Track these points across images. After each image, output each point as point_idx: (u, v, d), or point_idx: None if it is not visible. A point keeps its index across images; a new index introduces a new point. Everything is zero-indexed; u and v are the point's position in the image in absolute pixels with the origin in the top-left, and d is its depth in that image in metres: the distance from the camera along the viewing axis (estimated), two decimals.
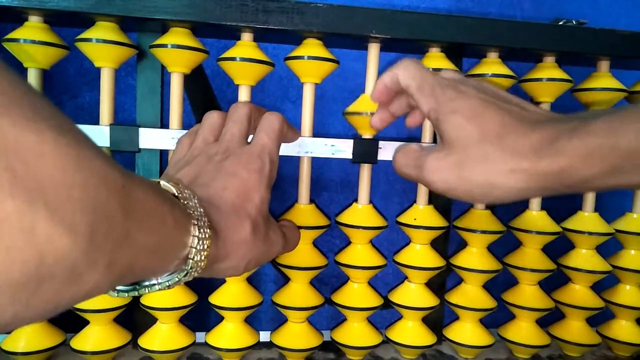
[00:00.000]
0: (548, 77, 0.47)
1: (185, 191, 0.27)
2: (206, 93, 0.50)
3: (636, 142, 0.24)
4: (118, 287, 0.25)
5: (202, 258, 0.26)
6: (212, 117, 0.37)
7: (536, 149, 0.27)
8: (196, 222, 0.25)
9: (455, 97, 0.31)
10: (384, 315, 0.55)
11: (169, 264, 0.24)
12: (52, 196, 0.15)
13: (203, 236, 0.25)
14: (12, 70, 0.17)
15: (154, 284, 0.25)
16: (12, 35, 0.41)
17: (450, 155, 0.30)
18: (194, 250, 0.25)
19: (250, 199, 0.31)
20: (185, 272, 0.25)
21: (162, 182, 0.26)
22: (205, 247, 0.25)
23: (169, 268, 0.25)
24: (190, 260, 0.25)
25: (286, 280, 0.49)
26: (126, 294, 0.25)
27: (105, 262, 0.18)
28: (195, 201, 0.26)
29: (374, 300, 0.49)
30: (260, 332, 0.50)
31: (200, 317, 0.52)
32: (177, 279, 0.25)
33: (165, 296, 0.45)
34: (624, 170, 0.25)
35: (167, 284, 0.25)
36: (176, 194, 0.26)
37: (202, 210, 0.26)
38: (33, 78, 0.42)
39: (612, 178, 0.26)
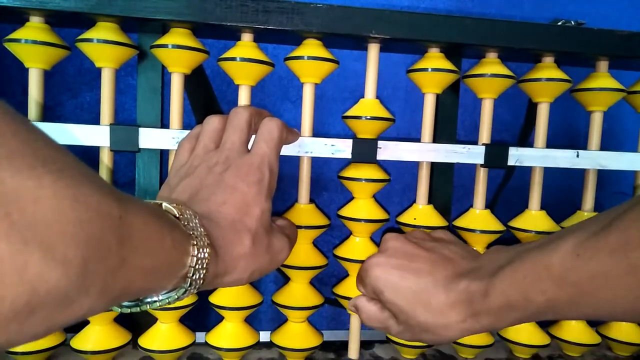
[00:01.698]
0: (547, 77, 0.47)
1: (187, 212, 0.27)
2: (206, 93, 0.50)
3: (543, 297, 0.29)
4: (122, 303, 0.27)
5: (201, 276, 0.26)
6: (212, 123, 0.37)
7: (458, 310, 0.33)
8: (195, 243, 0.26)
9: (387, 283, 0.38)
10: None
11: (167, 283, 0.25)
12: (45, 235, 0.16)
13: (202, 256, 0.26)
14: (17, 114, 0.18)
15: (155, 301, 0.26)
16: (13, 35, 0.41)
17: (400, 325, 0.38)
18: (192, 269, 0.26)
19: (249, 213, 0.31)
20: (184, 290, 0.26)
21: (165, 205, 0.27)
22: (205, 265, 0.26)
23: (167, 287, 0.26)
24: (189, 279, 0.26)
25: (286, 280, 0.49)
26: (129, 310, 0.27)
27: (98, 288, 0.19)
28: (196, 222, 0.27)
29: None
30: (260, 332, 0.50)
31: (200, 317, 0.52)
32: (176, 297, 0.26)
33: None
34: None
35: (167, 301, 0.26)
36: (177, 215, 0.27)
37: (202, 230, 0.27)
38: (34, 78, 0.42)
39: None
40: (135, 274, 0.21)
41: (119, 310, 0.27)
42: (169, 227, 0.24)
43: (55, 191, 0.17)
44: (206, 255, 0.26)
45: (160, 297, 0.26)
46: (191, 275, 0.26)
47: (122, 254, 0.20)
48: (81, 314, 0.19)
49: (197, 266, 0.26)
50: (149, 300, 0.26)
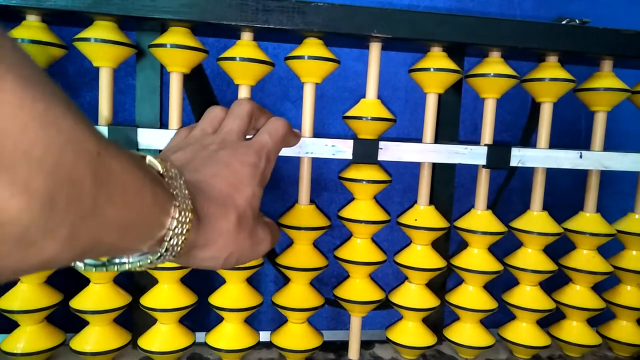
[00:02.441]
0: (551, 77, 0.46)
1: (172, 170, 0.25)
2: (206, 93, 0.50)
3: None
4: (86, 261, 0.24)
5: (179, 242, 0.24)
6: (213, 111, 0.37)
7: None
8: (178, 204, 0.24)
9: None
10: (384, 315, 0.55)
11: (142, 244, 0.23)
12: (6, 151, 0.14)
13: (183, 220, 0.24)
14: None
15: (124, 263, 0.24)
16: (9, 34, 0.40)
17: None
18: (171, 232, 0.23)
19: (240, 191, 0.30)
20: (159, 255, 0.24)
21: (149, 158, 0.25)
22: (184, 231, 0.24)
23: (141, 248, 0.23)
24: (166, 243, 0.24)
25: (286, 280, 0.49)
26: (93, 269, 0.24)
27: (66, 232, 0.17)
28: (181, 182, 0.25)
29: (375, 296, 0.48)
30: (260, 332, 0.49)
31: (200, 317, 0.52)
32: (149, 261, 0.24)
33: (165, 297, 0.45)
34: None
35: (139, 264, 0.24)
36: (161, 172, 0.24)
37: (186, 192, 0.25)
38: None
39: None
40: (109, 226, 0.19)
41: (82, 268, 0.24)
42: (151, 181, 0.22)
43: (20, 100, 0.15)
44: (188, 219, 0.24)
45: (132, 260, 0.24)
46: (169, 239, 0.24)
47: (97, 199, 0.18)
48: (41, 262, 0.17)
49: (176, 230, 0.24)
50: (117, 261, 0.24)
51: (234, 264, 0.30)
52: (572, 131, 0.64)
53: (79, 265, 0.24)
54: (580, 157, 0.48)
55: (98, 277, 0.45)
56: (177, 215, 0.23)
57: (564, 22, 0.48)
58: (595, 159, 0.48)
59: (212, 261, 0.28)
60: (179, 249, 0.24)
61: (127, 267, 0.24)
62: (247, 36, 0.44)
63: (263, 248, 0.32)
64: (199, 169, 0.30)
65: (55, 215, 0.16)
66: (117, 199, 0.19)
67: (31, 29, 0.40)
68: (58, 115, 0.16)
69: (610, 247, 0.52)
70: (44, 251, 0.16)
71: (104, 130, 0.41)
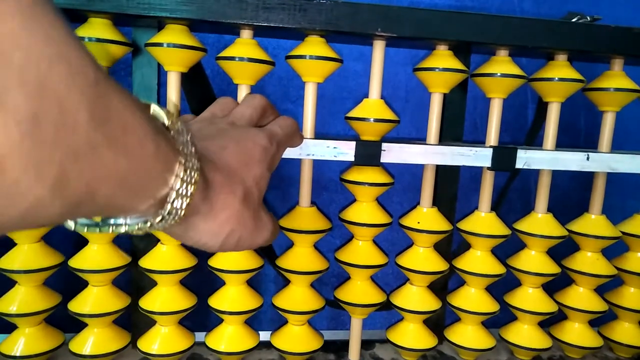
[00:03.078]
0: (559, 77, 0.45)
1: (179, 124, 0.22)
2: (205, 92, 0.48)
3: None
4: (79, 220, 0.22)
5: (183, 206, 0.22)
6: (225, 99, 0.36)
7: None
8: (183, 162, 0.21)
9: None
10: (385, 315, 0.55)
11: (142, 203, 0.20)
12: None
13: (188, 180, 0.22)
14: None
15: (121, 224, 0.22)
16: None
17: None
18: (174, 193, 0.21)
19: (249, 168, 0.28)
20: (161, 217, 0.22)
21: (153, 106, 0.22)
22: (189, 193, 0.22)
23: (140, 208, 0.21)
24: (169, 205, 0.21)
25: (286, 282, 0.49)
26: (85, 228, 0.22)
27: (55, 172, 0.14)
28: (188, 138, 0.22)
29: (376, 298, 0.48)
30: (260, 332, 0.49)
31: (201, 317, 0.52)
32: (149, 224, 0.22)
33: (164, 299, 0.45)
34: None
35: (137, 227, 0.22)
36: (166, 124, 0.22)
37: (193, 150, 0.22)
38: None
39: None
40: (106, 174, 0.17)
41: (72, 227, 0.22)
42: (154, 130, 0.19)
43: None
44: (193, 180, 0.22)
45: (129, 221, 0.22)
46: (171, 200, 0.21)
47: (93, 137, 0.15)
48: (26, 210, 0.14)
49: (180, 191, 0.21)
50: (113, 222, 0.22)
51: (233, 246, 0.27)
52: (571, 130, 0.63)
53: (70, 224, 0.22)
54: (587, 158, 0.47)
55: (97, 279, 0.44)
56: (181, 174, 0.21)
57: (574, 20, 0.46)
58: (603, 161, 0.47)
59: (211, 237, 0.26)
60: (182, 212, 0.22)
61: (123, 229, 0.22)
62: (246, 34, 0.42)
63: (264, 235, 0.30)
64: (207, 139, 0.28)
65: (42, 147, 0.13)
66: (116, 142, 0.17)
67: None
68: (52, 24, 0.13)
69: (615, 248, 0.52)
70: (29, 194, 0.14)
71: None
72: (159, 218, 0.22)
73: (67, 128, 0.14)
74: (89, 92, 0.15)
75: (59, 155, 0.14)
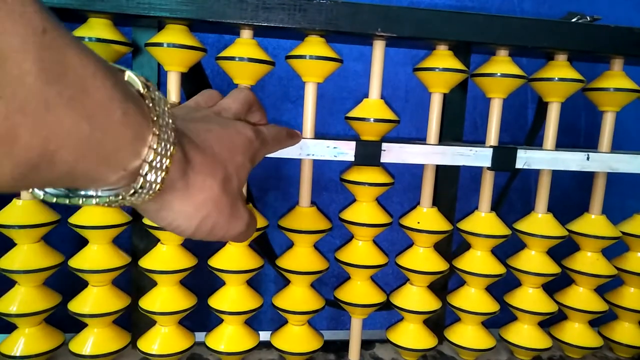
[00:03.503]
0: (559, 77, 0.45)
1: (156, 93, 0.21)
2: None
3: None
4: (47, 190, 0.21)
5: (158, 180, 0.21)
6: (210, 91, 0.35)
7: None
8: (157, 133, 0.20)
9: None
10: (385, 315, 0.55)
11: (112, 173, 0.19)
12: None
13: (163, 152, 0.21)
14: None
15: (91, 195, 0.21)
16: None
17: None
18: (147, 166, 0.20)
19: (232, 155, 0.27)
20: (134, 190, 0.21)
21: (128, 72, 0.21)
22: (164, 166, 0.21)
23: (110, 179, 0.20)
24: (141, 178, 0.20)
25: (286, 282, 0.49)
26: (54, 199, 0.21)
27: (4, 127, 0.14)
28: (165, 109, 0.21)
29: (376, 299, 0.48)
30: (260, 332, 0.49)
31: (201, 317, 0.52)
32: (120, 197, 0.21)
33: (164, 299, 0.45)
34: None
35: (107, 199, 0.21)
36: (142, 91, 0.21)
37: (170, 121, 0.21)
38: None
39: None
40: (64, 137, 0.16)
41: (41, 196, 0.21)
42: (122, 96, 0.19)
43: None
44: (168, 153, 0.21)
45: (100, 193, 0.21)
46: (144, 173, 0.20)
47: (45, 94, 0.15)
48: None
49: (154, 163, 0.20)
50: (83, 193, 0.21)
51: (206, 232, 0.26)
52: (571, 130, 0.62)
53: (37, 192, 0.20)
54: (588, 158, 0.46)
55: (97, 279, 0.44)
56: (155, 146, 0.20)
57: (574, 20, 0.46)
58: (603, 161, 0.47)
59: (185, 219, 0.25)
60: (156, 186, 0.21)
61: (94, 201, 0.21)
62: (246, 34, 0.42)
63: (239, 226, 0.28)
64: (192, 121, 0.27)
65: None
66: (74, 102, 0.16)
67: None
68: None
69: (615, 248, 0.52)
70: None
71: None
72: (131, 191, 0.21)
73: (10, 77, 0.14)
74: (33, 40, 0.14)
75: (3, 105, 0.14)
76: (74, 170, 0.18)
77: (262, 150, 0.31)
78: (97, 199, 0.21)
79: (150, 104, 0.21)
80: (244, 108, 0.34)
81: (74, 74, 0.16)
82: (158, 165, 0.21)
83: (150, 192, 0.21)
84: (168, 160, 0.21)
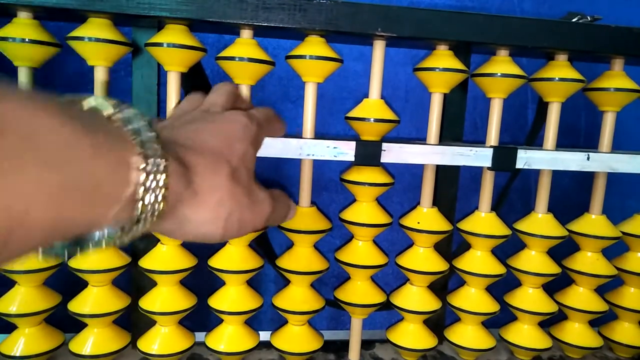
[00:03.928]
0: (560, 77, 0.45)
1: (127, 111, 0.20)
2: (205, 92, 0.48)
3: None
4: (53, 246, 0.19)
5: (158, 199, 0.20)
6: (192, 95, 0.34)
7: None
8: (140, 150, 0.19)
9: None
10: (385, 315, 0.55)
11: (105, 210, 0.18)
12: None
13: (154, 169, 0.19)
14: None
15: (99, 239, 0.19)
16: (0, 33, 0.39)
17: None
18: (141, 188, 0.19)
19: (231, 146, 0.26)
20: (137, 218, 0.19)
21: (90, 100, 0.20)
22: (161, 183, 0.20)
23: (108, 216, 0.18)
24: (140, 203, 0.19)
25: (286, 282, 0.49)
26: (64, 252, 0.19)
27: None
28: (143, 123, 0.20)
29: (376, 299, 0.48)
30: (260, 332, 0.49)
31: (201, 317, 0.52)
32: (127, 229, 0.20)
33: (164, 299, 0.45)
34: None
35: (115, 238, 0.19)
36: (111, 114, 0.19)
37: (153, 134, 0.20)
38: (23, 77, 0.40)
39: None
40: (30, 193, 0.15)
41: (52, 254, 0.19)
42: (86, 127, 0.17)
43: None
44: (161, 168, 0.19)
45: (106, 233, 0.19)
46: (141, 197, 0.19)
47: None
48: None
49: (148, 184, 0.19)
50: (87, 239, 0.19)
51: (236, 229, 0.25)
52: (572, 130, 0.62)
53: (44, 252, 0.19)
54: (588, 158, 0.46)
55: (97, 279, 0.44)
56: (142, 165, 0.19)
57: (574, 20, 0.46)
58: (603, 161, 0.47)
59: (210, 225, 0.24)
60: (160, 206, 0.20)
61: (104, 243, 0.19)
62: (246, 34, 0.42)
63: (264, 210, 0.28)
64: (181, 127, 0.26)
65: None
66: (27, 154, 0.15)
67: (22, 27, 0.39)
68: None
69: (615, 248, 0.52)
70: None
71: None
72: (135, 220, 0.19)
73: None
74: None
75: None
76: (60, 222, 0.16)
77: (259, 132, 0.30)
78: (106, 240, 0.19)
79: (124, 125, 0.19)
80: (231, 99, 0.33)
81: (16, 125, 0.15)
82: (153, 184, 0.19)
83: (156, 213, 0.20)
84: (164, 175, 0.20)
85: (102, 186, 0.18)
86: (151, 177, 0.19)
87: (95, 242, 0.19)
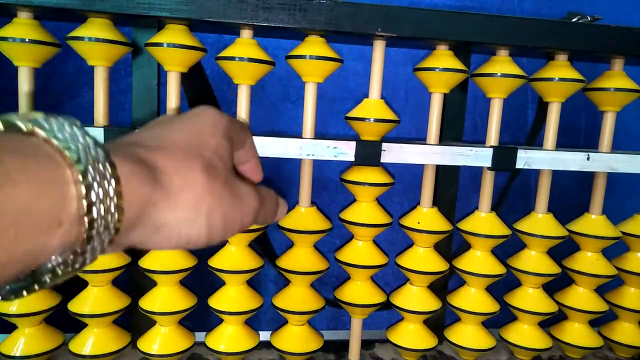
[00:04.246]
0: (560, 77, 0.45)
1: (52, 120, 0.17)
2: (205, 92, 0.48)
3: None
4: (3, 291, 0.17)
5: (111, 209, 0.17)
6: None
7: None
8: (75, 158, 0.17)
9: None
10: (385, 315, 0.55)
11: (47, 239, 0.16)
12: None
13: (98, 177, 0.17)
14: None
15: (51, 269, 0.17)
16: (0, 33, 0.39)
17: None
18: (85, 202, 0.16)
19: (202, 140, 0.24)
20: (91, 235, 0.17)
21: (6, 117, 0.17)
22: (111, 191, 0.17)
23: (52, 243, 0.16)
24: (85, 219, 0.17)
25: (286, 281, 0.49)
26: (12, 296, 0.17)
27: None
28: (74, 130, 0.18)
29: (376, 299, 0.48)
30: (260, 332, 0.49)
31: (201, 317, 0.52)
32: (81, 252, 0.17)
33: (164, 299, 0.45)
34: None
35: (72, 265, 0.17)
36: (24, 129, 0.17)
37: (91, 140, 0.18)
38: (23, 77, 0.40)
39: None
40: None
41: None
42: (3, 154, 0.15)
43: None
44: (108, 174, 0.17)
45: (58, 262, 0.17)
46: (85, 211, 0.16)
47: None
48: None
49: (95, 195, 0.17)
50: (38, 273, 0.17)
51: (221, 228, 0.23)
52: (572, 130, 0.62)
53: None
54: (588, 158, 0.46)
55: (97, 279, 0.44)
56: (80, 177, 0.16)
57: (574, 20, 0.46)
58: (603, 161, 0.47)
59: (192, 226, 0.22)
60: (115, 217, 0.18)
61: (59, 276, 0.17)
62: (246, 34, 0.42)
63: (250, 204, 0.25)
64: (141, 132, 0.24)
65: None
66: None
67: (22, 27, 0.39)
68: None
69: (615, 248, 0.52)
70: None
71: (99, 132, 0.40)
72: (87, 238, 0.17)
73: None
74: None
75: None
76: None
77: (233, 125, 0.27)
78: (62, 270, 0.17)
79: (51, 136, 0.17)
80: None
81: None
82: (101, 194, 0.17)
83: (112, 225, 0.18)
84: (113, 182, 0.17)
85: (37, 212, 0.15)
86: (95, 187, 0.17)
87: (50, 274, 0.17)
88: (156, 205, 0.20)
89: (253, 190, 0.26)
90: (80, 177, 0.17)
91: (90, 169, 0.17)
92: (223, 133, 0.25)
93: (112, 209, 0.17)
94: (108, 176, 0.17)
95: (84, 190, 0.17)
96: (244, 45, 0.41)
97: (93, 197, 0.17)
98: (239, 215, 0.24)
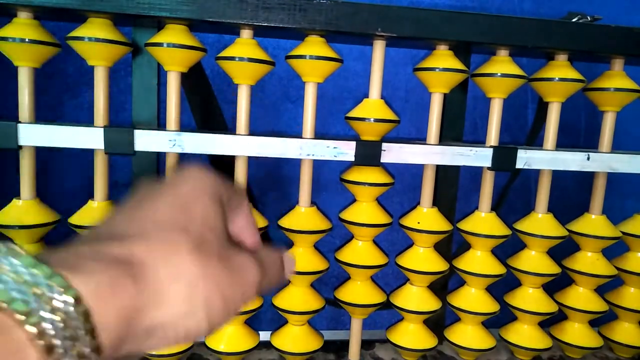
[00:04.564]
0: (560, 77, 0.45)
1: None
2: (205, 92, 0.48)
3: None
4: None
5: (80, 335, 0.15)
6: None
7: None
8: (12, 300, 0.14)
9: None
10: (385, 315, 0.55)
11: None
12: None
13: (48, 297, 0.14)
14: None
15: None
16: (0, 33, 0.39)
17: None
18: (34, 330, 0.14)
19: (186, 210, 0.21)
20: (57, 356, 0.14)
21: None
22: (70, 305, 0.15)
23: None
24: (47, 345, 0.14)
25: (286, 281, 0.49)
26: None
27: None
28: (16, 248, 0.15)
29: (376, 299, 0.48)
30: (260, 332, 0.49)
31: None
32: None
33: None
34: None
35: None
36: None
37: (29, 259, 0.15)
38: (23, 77, 0.40)
39: None
40: None
41: None
42: None
43: None
44: (60, 291, 0.15)
45: None
46: (41, 337, 0.14)
47: None
48: None
49: (55, 327, 0.14)
50: None
51: (222, 311, 0.20)
52: (571, 130, 0.62)
53: None
54: (588, 159, 0.46)
55: None
56: (22, 317, 0.14)
57: (574, 20, 0.46)
58: (603, 161, 0.47)
59: (190, 319, 0.19)
60: (87, 340, 0.15)
61: None
62: (246, 34, 0.42)
63: (250, 276, 0.22)
64: (106, 223, 0.21)
65: None
66: None
67: (22, 27, 0.39)
68: None
69: (615, 248, 0.52)
70: None
71: (99, 132, 0.40)
72: None
73: None
74: None
75: None
76: None
77: (224, 187, 0.23)
78: None
79: None
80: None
81: None
82: (59, 316, 0.14)
83: (87, 351, 0.15)
84: (68, 298, 0.15)
85: None
86: (54, 308, 0.14)
87: None
88: (142, 309, 0.17)
89: (252, 261, 0.22)
90: (23, 318, 0.14)
91: (33, 303, 0.14)
92: (211, 195, 0.22)
93: (81, 335, 0.15)
94: (61, 288, 0.15)
95: (34, 330, 0.14)
96: (244, 45, 0.41)
97: (52, 318, 0.14)
98: (240, 291, 0.21)
